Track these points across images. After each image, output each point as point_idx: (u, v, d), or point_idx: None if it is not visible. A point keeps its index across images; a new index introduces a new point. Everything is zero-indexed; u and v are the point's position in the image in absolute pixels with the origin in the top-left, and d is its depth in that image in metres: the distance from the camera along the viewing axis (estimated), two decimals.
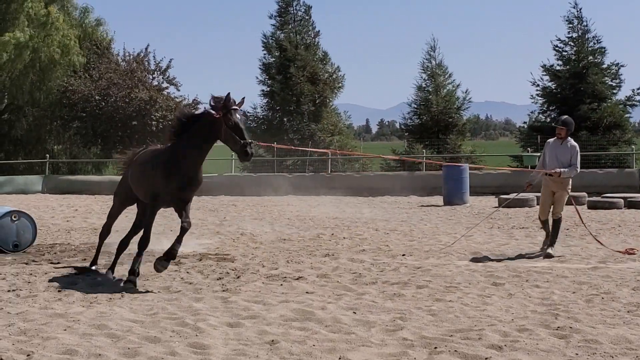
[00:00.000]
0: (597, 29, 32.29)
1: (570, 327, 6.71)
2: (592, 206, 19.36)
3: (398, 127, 53.43)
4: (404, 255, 11.50)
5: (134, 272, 8.96)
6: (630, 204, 19.44)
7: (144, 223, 9.31)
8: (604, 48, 32.76)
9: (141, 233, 9.28)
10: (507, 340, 6.29)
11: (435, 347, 6.10)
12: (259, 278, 9.53)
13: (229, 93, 8.73)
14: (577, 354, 5.90)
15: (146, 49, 39.23)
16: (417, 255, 11.52)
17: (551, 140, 11.69)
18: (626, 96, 33.09)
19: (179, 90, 39.47)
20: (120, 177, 10.73)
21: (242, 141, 8.67)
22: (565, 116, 11.99)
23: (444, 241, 13.00)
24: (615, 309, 7.56)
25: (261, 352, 6.01)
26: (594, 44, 32.88)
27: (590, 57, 32.66)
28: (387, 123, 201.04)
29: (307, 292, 8.55)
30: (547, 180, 11.53)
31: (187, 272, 9.95)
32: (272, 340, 6.31)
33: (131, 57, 38.69)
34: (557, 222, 11.43)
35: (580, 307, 7.65)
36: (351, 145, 37.60)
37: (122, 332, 6.65)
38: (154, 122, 36.34)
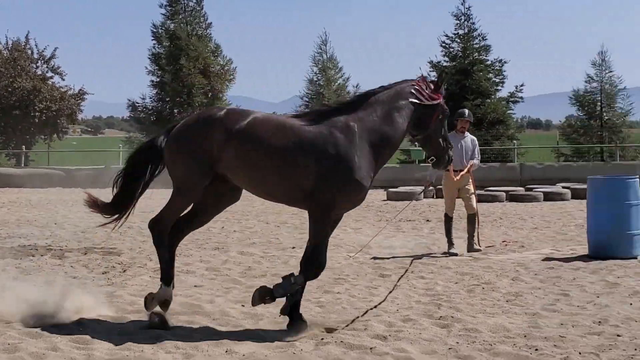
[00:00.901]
0: (482, 26, 33.19)
1: (452, 317, 6.91)
2: (476, 200, 19.97)
3: None
4: (293, 247, 11.56)
5: (296, 305, 6.42)
6: (512, 197, 20.27)
7: (313, 245, 6.49)
8: (489, 45, 33.75)
9: None
10: (392, 330, 6.43)
11: (322, 339, 6.17)
12: (147, 272, 9.38)
13: (443, 70, 6.56)
14: (457, 343, 6.08)
15: (26, 36, 37.81)
16: None
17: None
18: (509, 92, 34.30)
19: (63, 80, 38.24)
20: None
21: (448, 144, 6.77)
22: (467, 109, 11.86)
23: (334, 234, 13.11)
24: (495, 299, 7.85)
25: (146, 346, 5.91)
26: (480, 40, 33.80)
27: (476, 54, 33.57)
28: None
29: (195, 286, 8.48)
30: (451, 176, 11.20)
31: (72, 267, 9.70)
32: (158, 335, 6.22)
33: (10, 46, 37.29)
34: (473, 216, 11.38)
35: (462, 297, 7.90)
36: None
37: (2, 327, 6.41)
38: (37, 113, 35.24)
